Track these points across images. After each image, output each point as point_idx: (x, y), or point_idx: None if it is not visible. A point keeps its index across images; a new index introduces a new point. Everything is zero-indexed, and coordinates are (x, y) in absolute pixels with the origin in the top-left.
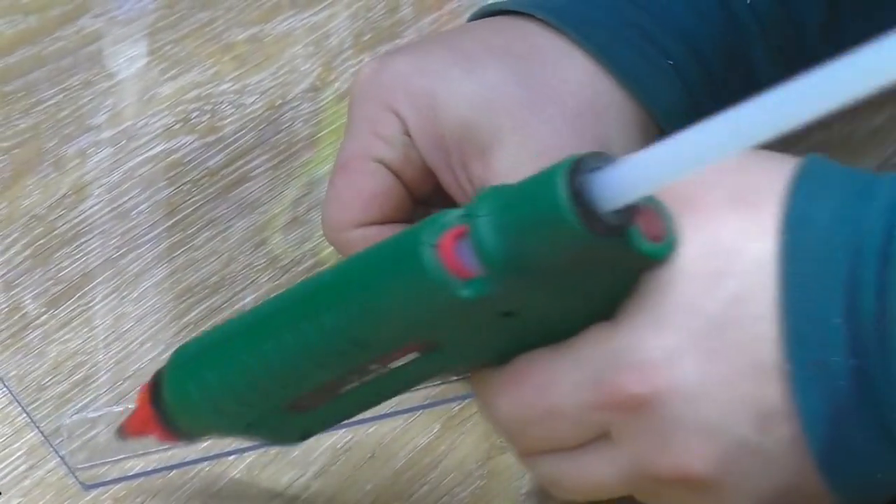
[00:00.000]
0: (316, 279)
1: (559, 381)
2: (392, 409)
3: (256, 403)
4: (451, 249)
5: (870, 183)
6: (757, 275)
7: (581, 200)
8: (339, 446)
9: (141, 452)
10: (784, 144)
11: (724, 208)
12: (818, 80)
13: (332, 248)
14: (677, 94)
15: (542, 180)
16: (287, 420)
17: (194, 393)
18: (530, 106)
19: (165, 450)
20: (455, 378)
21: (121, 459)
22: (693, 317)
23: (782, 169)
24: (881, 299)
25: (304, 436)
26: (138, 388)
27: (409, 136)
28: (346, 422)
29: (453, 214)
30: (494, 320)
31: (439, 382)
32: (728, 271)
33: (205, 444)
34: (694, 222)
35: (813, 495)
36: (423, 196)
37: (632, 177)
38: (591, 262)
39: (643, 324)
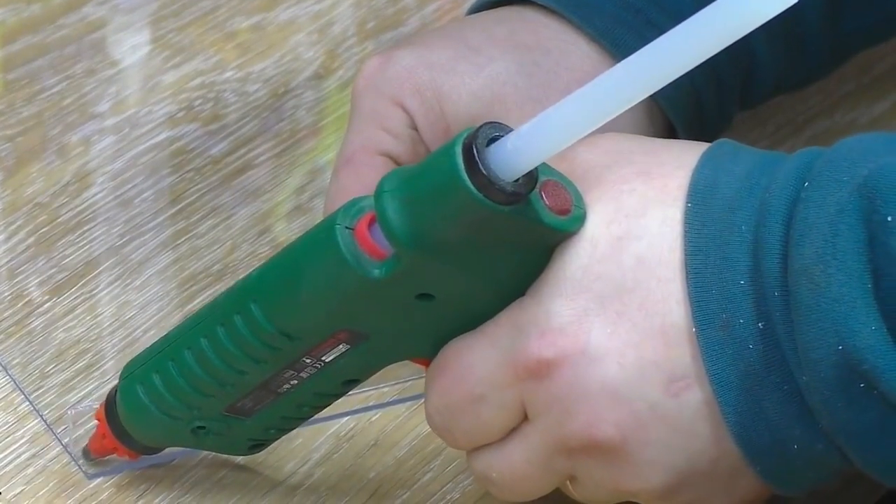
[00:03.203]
0: (247, 274)
1: (476, 365)
2: (395, 398)
3: (200, 405)
4: (366, 232)
5: (777, 157)
6: (662, 238)
7: (477, 169)
8: (341, 434)
9: None
10: (787, 132)
11: (630, 181)
12: (687, 32)
13: None
14: (679, 79)
15: (440, 152)
16: (233, 426)
17: (143, 396)
18: (536, 97)
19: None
20: None
21: None
22: (598, 281)
23: (693, 150)
24: (785, 262)
25: (255, 446)
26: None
27: (416, 129)
28: (344, 411)
29: (371, 199)
30: (413, 304)
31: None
32: (632, 235)
33: None
34: (600, 193)
35: (732, 470)
36: None
37: (525, 145)
38: (497, 236)
39: (549, 293)
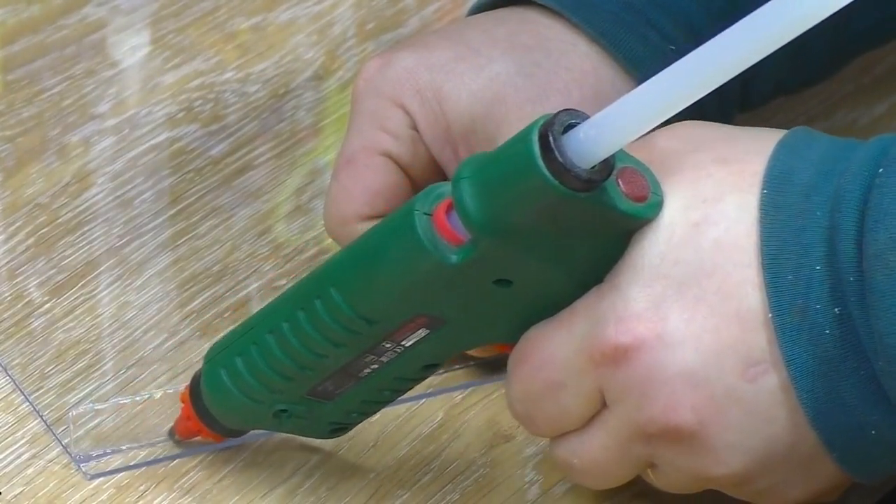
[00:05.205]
0: (328, 259)
1: (555, 353)
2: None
3: (282, 388)
4: (444, 218)
5: (852, 143)
6: (739, 223)
7: (553, 156)
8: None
9: (144, 442)
10: None
11: (708, 167)
12: (767, 17)
13: None
14: None
15: (518, 138)
16: (314, 409)
17: (226, 380)
18: (535, 97)
19: (168, 439)
20: (458, 366)
21: (124, 449)
22: (676, 266)
23: (769, 137)
24: (860, 248)
25: (336, 430)
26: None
27: (417, 130)
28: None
29: (450, 185)
30: (491, 290)
31: (456, 367)
32: (709, 220)
33: None
34: (677, 180)
35: (810, 456)
36: None
37: (600, 132)
38: (574, 223)
39: (627, 280)
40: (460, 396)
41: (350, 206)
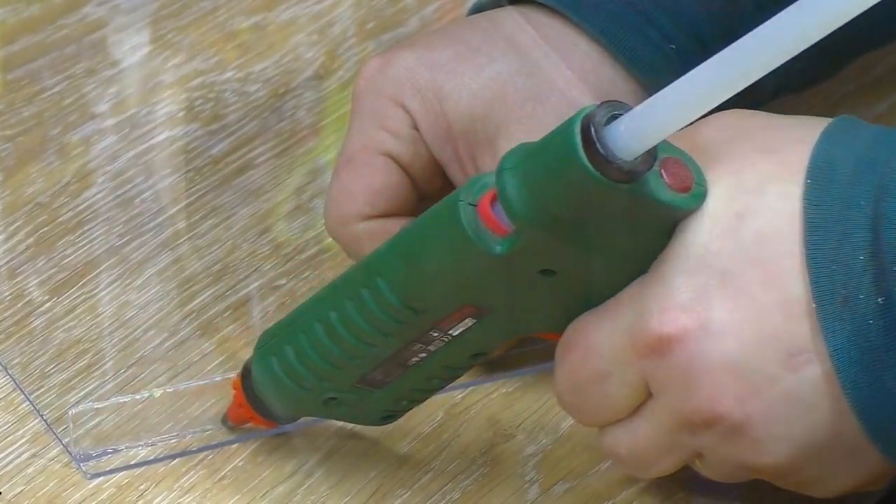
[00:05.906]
0: (375, 249)
1: (601, 342)
2: None
3: (331, 377)
4: (488, 208)
5: None
6: (782, 214)
7: (595, 148)
8: (342, 434)
9: (144, 442)
10: None
11: (751, 157)
12: (811, 5)
13: None
14: None
15: (559, 130)
16: (364, 397)
17: (276, 368)
18: (535, 96)
19: (170, 438)
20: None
21: (124, 448)
22: (719, 257)
23: (813, 125)
24: None
25: (386, 417)
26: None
27: (417, 129)
28: None
29: (494, 176)
30: (536, 280)
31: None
32: (753, 211)
33: (209, 430)
34: (721, 170)
35: (854, 446)
36: (430, 191)
37: (642, 124)
38: (617, 214)
39: (670, 270)
40: (460, 396)
41: (351, 205)
